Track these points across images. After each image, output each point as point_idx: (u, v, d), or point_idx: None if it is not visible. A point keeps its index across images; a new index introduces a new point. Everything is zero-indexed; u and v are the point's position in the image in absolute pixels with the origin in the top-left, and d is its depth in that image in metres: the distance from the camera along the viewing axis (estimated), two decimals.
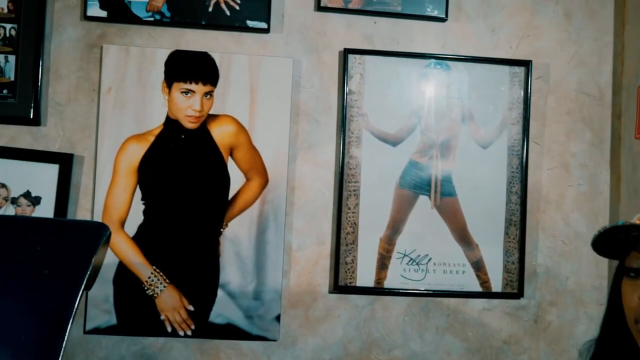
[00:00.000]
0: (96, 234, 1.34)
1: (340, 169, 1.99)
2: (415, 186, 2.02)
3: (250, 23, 1.97)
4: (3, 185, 1.91)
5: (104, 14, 1.95)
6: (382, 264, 2.00)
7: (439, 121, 2.03)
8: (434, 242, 2.02)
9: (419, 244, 2.01)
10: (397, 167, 2.02)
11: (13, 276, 1.22)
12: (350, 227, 1.99)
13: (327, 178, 2.01)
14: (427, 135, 2.02)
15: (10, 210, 1.91)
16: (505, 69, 2.05)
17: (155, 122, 1.97)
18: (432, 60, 2.03)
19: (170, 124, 1.99)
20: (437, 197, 2.02)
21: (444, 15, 2.02)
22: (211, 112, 2.00)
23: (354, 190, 1.99)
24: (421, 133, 2.02)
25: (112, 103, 1.95)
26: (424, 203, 2.02)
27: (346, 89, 1.99)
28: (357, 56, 2.01)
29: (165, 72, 2.00)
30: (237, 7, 1.97)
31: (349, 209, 1.99)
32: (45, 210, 1.92)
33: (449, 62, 2.03)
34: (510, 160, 2.05)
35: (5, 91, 1.92)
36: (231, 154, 1.99)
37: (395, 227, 2.01)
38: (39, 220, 1.51)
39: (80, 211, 1.94)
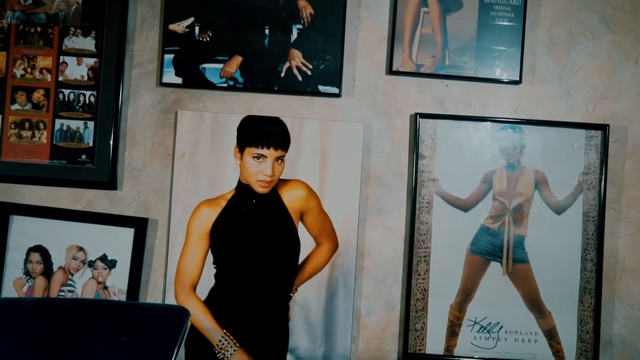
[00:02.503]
0: (179, 322, 1.40)
1: (411, 234, 2.02)
2: (487, 252, 2.03)
3: (321, 88, 2.02)
4: (81, 249, 2.01)
5: (179, 80, 2.03)
6: (453, 331, 2.01)
7: (512, 186, 2.03)
8: (505, 309, 2.03)
9: (490, 311, 2.02)
10: (468, 233, 2.04)
11: None
12: (420, 293, 2.01)
13: (396, 243, 2.04)
14: (499, 201, 2.03)
15: (87, 273, 2.01)
16: (581, 132, 2.05)
17: (228, 187, 2.04)
18: (505, 124, 2.03)
19: (242, 188, 2.05)
20: (509, 263, 2.03)
21: (517, 78, 2.04)
22: (282, 176, 2.05)
23: (424, 256, 2.02)
24: (493, 198, 2.03)
25: (185, 168, 2.02)
26: (495, 269, 2.03)
27: (417, 154, 2.01)
28: (429, 120, 2.03)
29: (238, 137, 2.07)
30: (309, 73, 2.02)
31: (419, 274, 2.01)
32: (121, 273, 2.01)
33: (522, 126, 2.04)
34: (585, 227, 2.04)
35: (84, 156, 2.02)
36: (301, 219, 2.04)
37: (466, 293, 2.03)
38: (123, 306, 1.58)
39: (154, 274, 2.02)
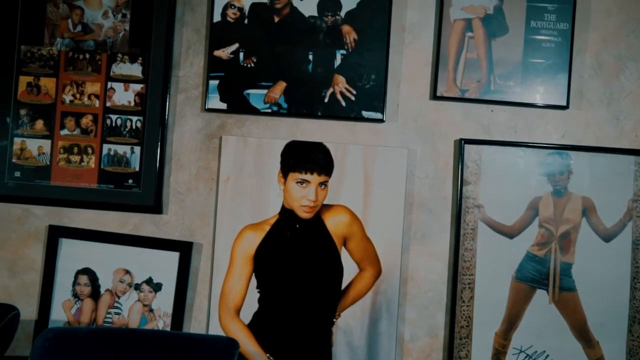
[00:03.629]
0: (229, 353, 1.42)
1: (455, 260, 2.03)
2: (533, 280, 2.02)
3: (365, 113, 2.04)
4: (127, 272, 2.06)
5: (223, 106, 2.07)
6: (497, 359, 2.01)
7: (559, 213, 2.02)
8: (551, 338, 2.02)
9: (536, 339, 2.02)
10: (513, 260, 2.04)
11: None
12: (465, 320, 2.01)
13: (440, 269, 2.05)
14: (545, 228, 2.02)
15: (133, 296, 2.06)
16: (630, 158, 2.03)
17: (271, 212, 2.07)
18: (552, 149, 2.02)
19: (286, 213, 2.08)
20: (556, 291, 2.02)
21: (564, 103, 2.03)
22: (326, 201, 2.07)
23: (469, 283, 2.02)
24: (539, 225, 2.03)
25: (230, 192, 2.06)
26: (541, 297, 2.03)
27: (461, 179, 2.01)
28: (473, 146, 2.03)
29: (282, 162, 2.10)
30: (353, 98, 2.05)
31: (464, 301, 2.01)
32: (166, 296, 2.06)
33: (569, 152, 2.03)
34: (635, 255, 2.02)
35: (130, 181, 2.07)
36: (345, 244, 2.06)
37: (511, 321, 2.02)
38: (176, 337, 1.61)
39: (199, 297, 2.06)
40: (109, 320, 2.10)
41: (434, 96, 2.09)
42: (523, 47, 2.07)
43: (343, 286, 2.08)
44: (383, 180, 2.08)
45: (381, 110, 2.08)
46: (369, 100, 2.09)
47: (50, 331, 1.55)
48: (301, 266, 2.07)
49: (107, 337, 1.50)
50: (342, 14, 2.09)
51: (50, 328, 1.65)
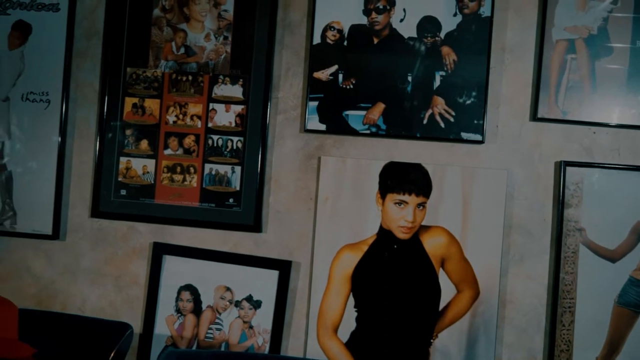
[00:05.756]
0: None
1: (554, 283, 2.05)
2: (636, 305, 2.04)
3: (464, 135, 2.07)
4: (228, 289, 2.15)
5: (322, 127, 2.13)
6: None
7: None
8: None
9: None
10: (615, 284, 2.07)
11: None
12: (565, 344, 2.03)
13: (539, 292, 2.07)
14: None
15: (234, 312, 2.14)
16: None
17: (369, 232, 2.13)
18: None
19: (384, 234, 2.14)
20: None
21: None
22: (424, 222, 2.11)
23: (569, 307, 2.03)
24: None
25: (328, 212, 2.13)
26: None
27: (562, 202, 2.02)
28: (575, 168, 2.03)
29: (380, 183, 2.16)
30: (452, 119, 2.08)
31: (564, 325, 2.03)
32: (265, 313, 2.15)
33: None
34: None
35: (231, 200, 2.15)
36: (442, 265, 2.11)
37: (612, 346, 2.04)
38: None
39: (297, 315, 2.13)
40: (210, 335, 2.19)
41: (535, 117, 2.10)
42: (628, 68, 2.07)
43: (441, 307, 2.12)
44: (482, 201, 2.11)
45: (480, 131, 2.11)
46: (468, 121, 2.12)
47: (172, 354, 1.63)
48: (399, 286, 2.12)
49: None
50: (442, 35, 2.13)
51: (172, 350, 1.75)
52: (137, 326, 2.25)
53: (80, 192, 2.33)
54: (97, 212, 2.29)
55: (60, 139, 2.30)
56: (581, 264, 2.11)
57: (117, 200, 2.28)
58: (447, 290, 2.15)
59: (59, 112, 2.31)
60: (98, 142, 2.29)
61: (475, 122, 2.14)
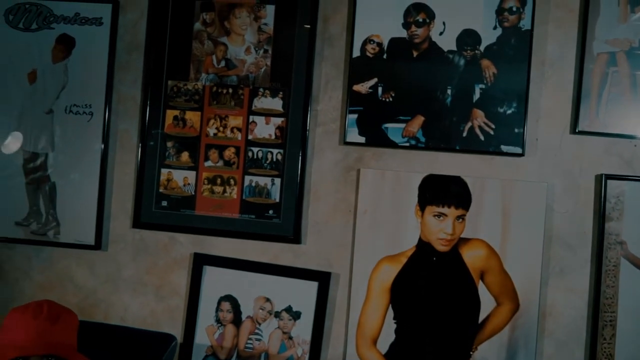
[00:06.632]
0: None
1: (595, 297, 2.06)
2: None
3: (504, 148, 2.09)
4: (268, 300, 2.17)
5: (362, 139, 2.16)
6: None
7: None
8: None
9: None
10: None
11: None
12: (606, 357, 2.05)
13: (580, 305, 2.08)
14: None
15: (273, 323, 2.17)
16: None
17: (408, 244, 2.15)
18: None
19: (423, 246, 2.15)
20: None
21: None
22: (463, 235, 2.12)
23: (610, 320, 2.03)
24: None
25: (367, 224, 2.15)
26: None
27: (603, 215, 2.02)
28: (616, 181, 2.03)
29: (419, 196, 2.18)
30: (492, 132, 2.10)
31: (605, 339, 2.03)
32: (305, 324, 2.17)
33: None
34: None
35: (271, 211, 2.18)
36: (482, 278, 2.12)
37: None
38: None
39: (336, 326, 2.16)
40: (250, 346, 2.22)
41: (575, 130, 2.11)
42: None
43: (480, 319, 2.13)
44: (521, 214, 2.12)
45: (520, 144, 2.12)
46: (508, 134, 2.13)
47: None
48: (438, 298, 2.14)
49: None
50: (482, 48, 2.15)
51: None
52: (177, 336, 2.27)
53: (122, 203, 2.38)
54: (138, 222, 2.33)
55: (102, 151, 2.35)
56: (622, 278, 2.10)
57: (158, 211, 2.32)
58: (486, 302, 2.15)
59: (101, 124, 2.36)
60: (139, 154, 2.33)
61: (515, 135, 2.15)
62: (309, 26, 2.23)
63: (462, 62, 2.18)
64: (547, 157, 2.17)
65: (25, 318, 1.70)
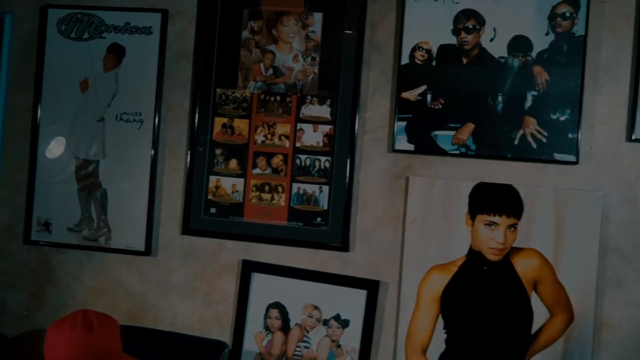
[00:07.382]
0: None
1: None
2: None
3: (557, 156, 2.05)
4: (316, 307, 2.17)
5: (411, 147, 2.14)
6: None
7: None
8: None
9: None
10: None
11: None
12: None
13: (637, 317, 2.05)
14: None
15: (321, 331, 2.17)
16: None
17: (458, 253, 2.13)
18: None
19: (473, 255, 2.13)
20: None
21: None
22: (514, 244, 2.09)
23: None
24: None
25: (416, 233, 2.13)
26: None
27: None
28: None
29: (469, 204, 2.15)
30: (544, 140, 2.07)
31: None
32: (353, 332, 2.17)
33: None
34: None
35: (319, 219, 2.18)
36: (535, 288, 2.08)
37: None
38: None
39: (385, 335, 2.15)
40: (299, 353, 2.22)
41: (631, 138, 2.05)
42: None
43: (533, 330, 2.09)
44: (575, 224, 2.08)
45: (574, 152, 2.08)
46: (561, 141, 2.09)
47: None
48: (490, 309, 2.11)
49: None
50: (533, 54, 2.11)
51: None
52: (226, 342, 2.30)
53: (171, 210, 2.40)
54: (187, 229, 2.35)
55: (152, 158, 2.39)
56: None
57: (207, 218, 2.34)
58: (539, 313, 2.11)
59: (151, 132, 2.39)
60: (188, 161, 2.35)
61: (569, 142, 2.10)
62: (355, 33, 2.23)
63: (513, 68, 2.14)
64: (601, 166, 2.11)
65: (63, 331, 1.74)
